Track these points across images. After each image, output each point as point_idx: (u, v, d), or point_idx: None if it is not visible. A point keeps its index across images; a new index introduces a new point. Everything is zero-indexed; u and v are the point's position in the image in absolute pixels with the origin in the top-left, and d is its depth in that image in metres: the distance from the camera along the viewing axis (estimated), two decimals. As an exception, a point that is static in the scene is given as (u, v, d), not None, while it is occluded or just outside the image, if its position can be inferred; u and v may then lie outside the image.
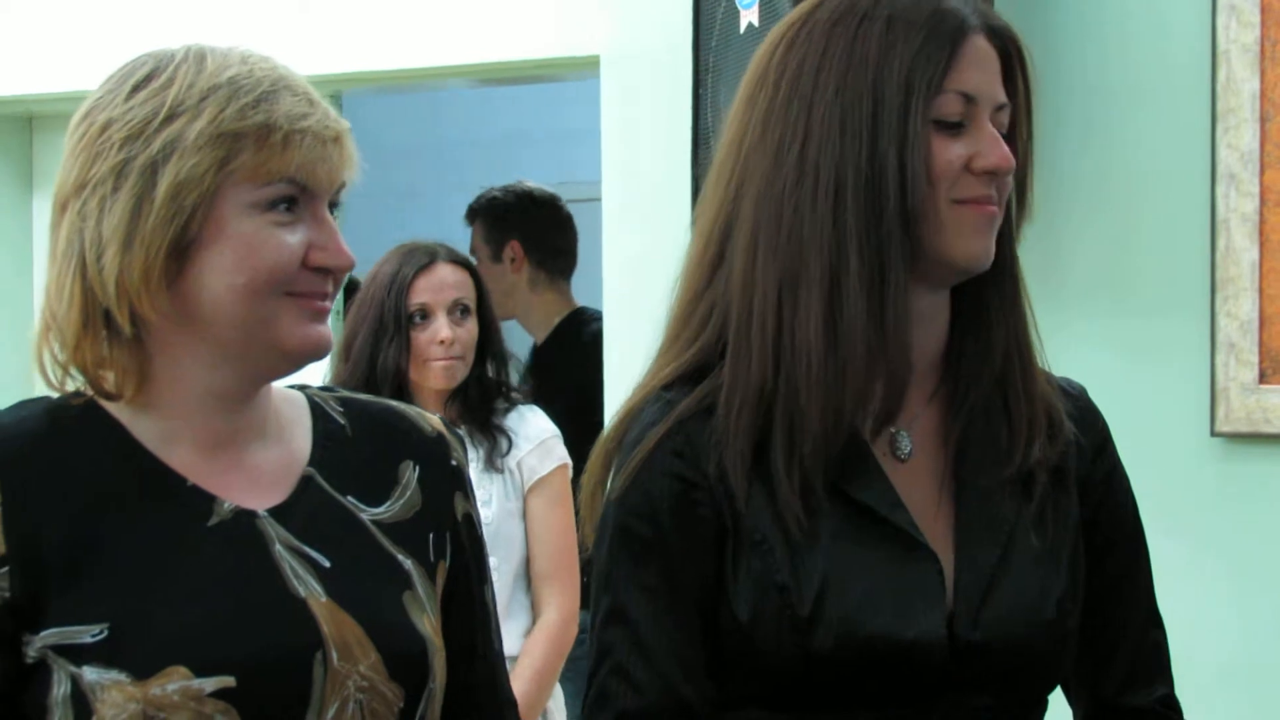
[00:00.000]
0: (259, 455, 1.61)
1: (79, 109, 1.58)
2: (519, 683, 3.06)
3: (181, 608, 1.51)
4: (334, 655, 1.55)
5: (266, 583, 1.55)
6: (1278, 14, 3.06)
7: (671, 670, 1.60)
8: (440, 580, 1.66)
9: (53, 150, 5.23)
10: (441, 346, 3.26)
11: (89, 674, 1.48)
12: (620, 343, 3.88)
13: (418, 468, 1.68)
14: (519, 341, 4.13)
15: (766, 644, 1.59)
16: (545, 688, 3.34)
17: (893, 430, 1.66)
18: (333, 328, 1.64)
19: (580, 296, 4.61)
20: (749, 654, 1.60)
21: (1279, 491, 3.12)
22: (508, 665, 1.78)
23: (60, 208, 1.56)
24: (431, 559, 1.66)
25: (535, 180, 4.77)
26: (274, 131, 1.53)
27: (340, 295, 1.80)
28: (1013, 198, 1.69)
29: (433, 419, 1.73)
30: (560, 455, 3.36)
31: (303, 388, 1.71)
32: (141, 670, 1.48)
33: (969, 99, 1.63)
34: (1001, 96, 1.65)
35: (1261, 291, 3.06)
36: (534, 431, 3.35)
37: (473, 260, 3.46)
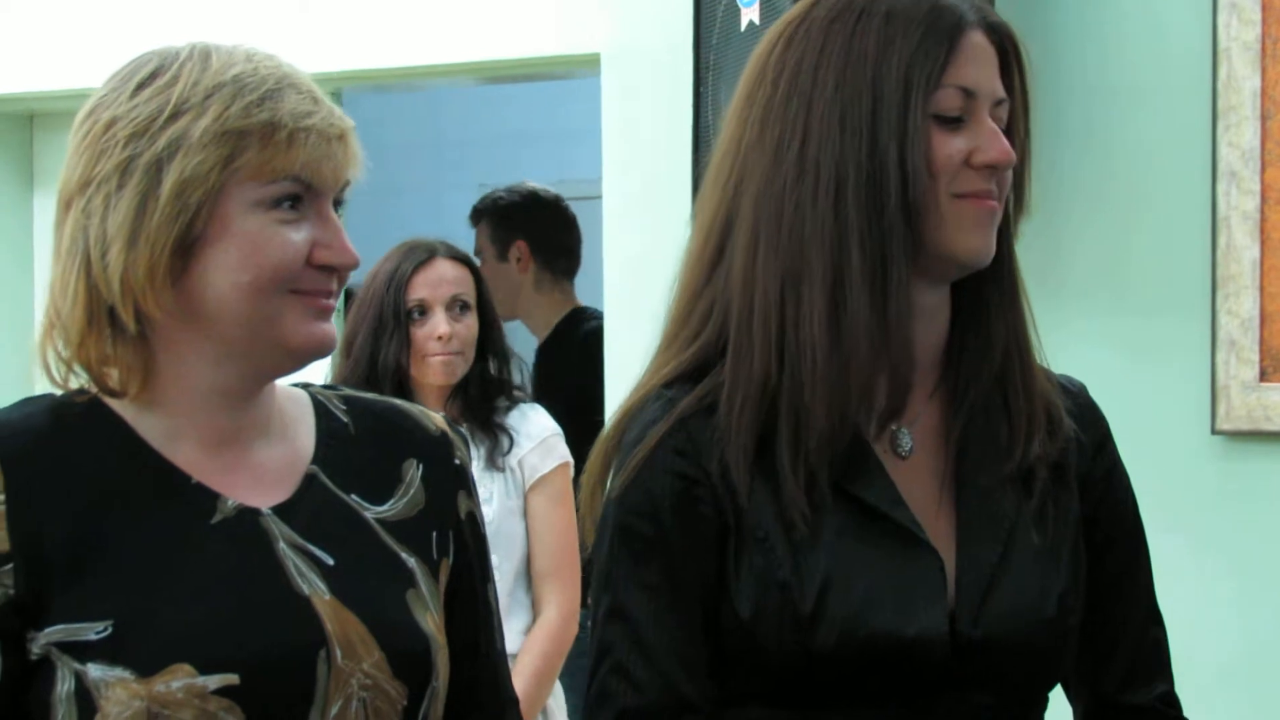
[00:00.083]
0: (263, 453, 1.61)
1: (83, 106, 1.58)
2: (519, 680, 3.05)
3: (185, 605, 1.51)
4: (338, 653, 1.55)
5: (270, 580, 1.55)
6: (1278, 11, 3.06)
7: (672, 669, 1.60)
8: (443, 578, 1.66)
9: (53, 148, 5.23)
10: (440, 342, 3.26)
11: (93, 671, 1.49)
12: (621, 341, 3.88)
13: (421, 466, 1.68)
14: (524, 342, 4.14)
15: (768, 641, 1.58)
16: (545, 686, 3.34)
17: (893, 428, 1.66)
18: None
19: (581, 295, 4.62)
20: (750, 651, 1.60)
21: (1279, 489, 3.12)
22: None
23: (65, 205, 1.56)
24: (435, 557, 1.66)
25: (536, 178, 4.78)
26: (279, 129, 1.53)
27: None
28: (1011, 194, 1.69)
29: (436, 417, 1.73)
30: (562, 454, 3.36)
31: (306, 386, 1.71)
32: (146, 668, 1.48)
33: (968, 94, 1.63)
34: (1000, 91, 1.65)
35: (1262, 289, 3.06)
36: (536, 430, 3.35)
37: (474, 258, 3.46)
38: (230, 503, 1.57)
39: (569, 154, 6.81)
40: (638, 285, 3.68)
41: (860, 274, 1.60)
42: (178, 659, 1.49)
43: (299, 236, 1.55)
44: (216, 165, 1.52)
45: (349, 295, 3.63)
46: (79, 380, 1.58)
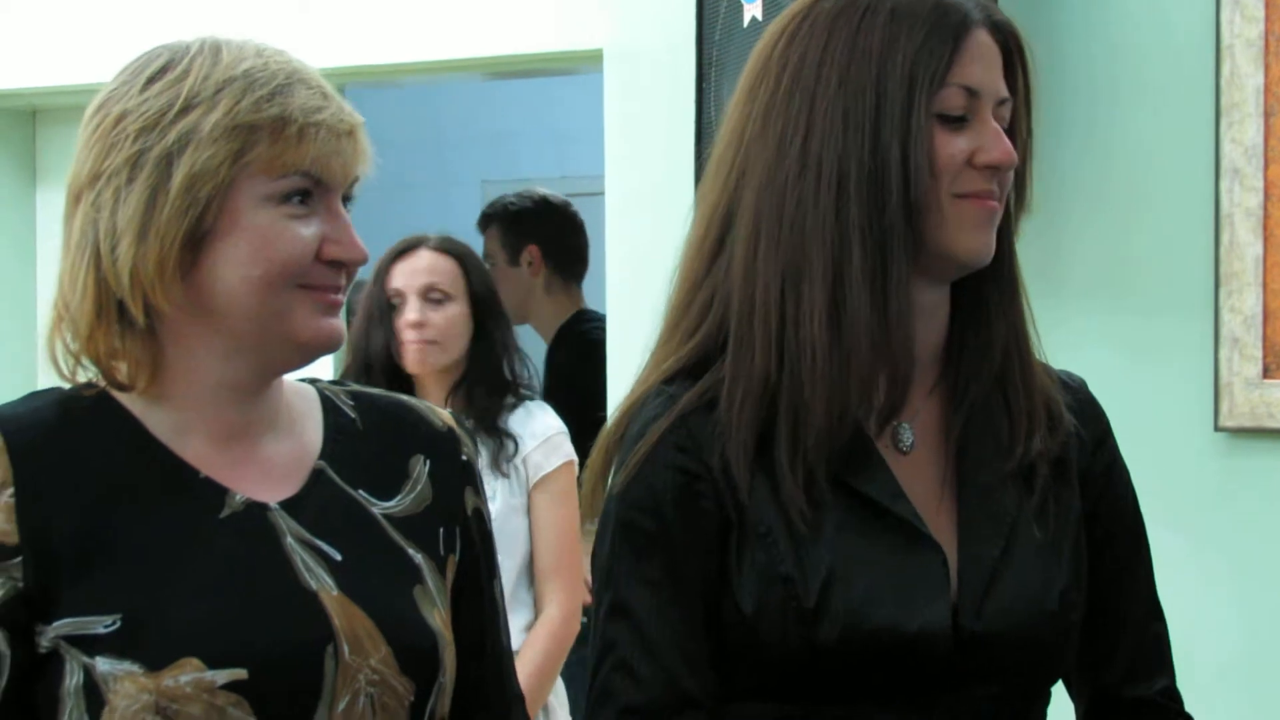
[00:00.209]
0: (271, 448, 1.61)
1: (94, 100, 1.58)
2: (520, 678, 3.05)
3: (194, 600, 1.51)
4: (345, 649, 1.55)
5: (278, 575, 1.55)
6: (1282, 8, 3.07)
7: (675, 664, 1.60)
8: (450, 574, 1.67)
9: (56, 143, 5.23)
10: (414, 330, 3.28)
11: (101, 665, 1.49)
12: (623, 337, 3.88)
13: (428, 462, 1.68)
14: (535, 346, 4.16)
15: (771, 636, 1.58)
16: (546, 683, 3.34)
17: (894, 423, 1.66)
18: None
19: (583, 291, 4.65)
20: (753, 646, 1.60)
21: (1282, 486, 3.13)
22: (510, 661, 1.78)
23: (74, 198, 1.56)
24: (441, 553, 1.66)
25: (537, 175, 4.81)
26: (289, 125, 1.53)
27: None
28: (1012, 193, 1.69)
29: (443, 413, 1.73)
30: (566, 452, 3.36)
31: (313, 381, 1.71)
32: (154, 662, 1.49)
33: (972, 93, 1.63)
34: (1004, 91, 1.65)
35: (1265, 286, 3.07)
36: (540, 428, 3.35)
37: (467, 250, 3.44)
38: (238, 497, 1.57)
39: (571, 151, 6.81)
40: (640, 281, 3.68)
41: (861, 272, 1.60)
42: (186, 653, 1.49)
43: (308, 232, 1.56)
44: (227, 160, 1.52)
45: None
46: (87, 373, 1.58)
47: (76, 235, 1.55)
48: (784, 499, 1.60)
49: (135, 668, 1.48)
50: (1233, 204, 3.09)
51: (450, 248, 3.38)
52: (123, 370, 1.56)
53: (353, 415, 1.68)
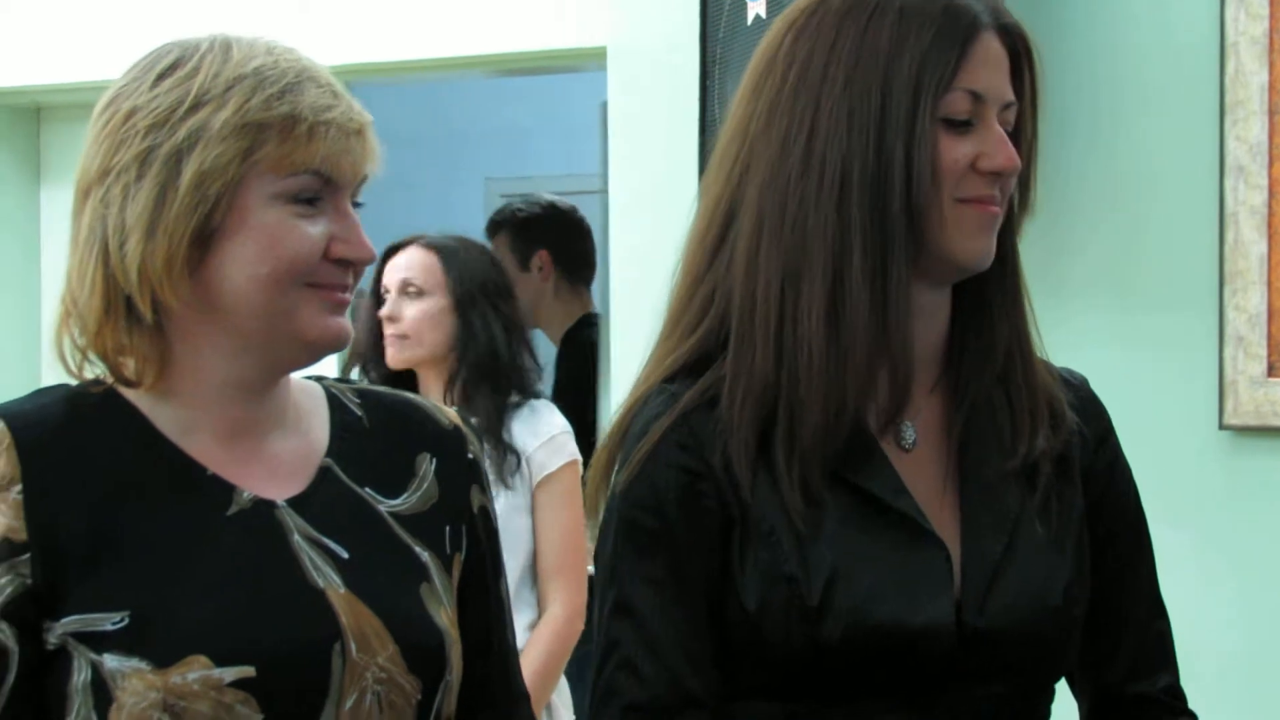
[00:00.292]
0: (278, 445, 1.61)
1: (103, 96, 1.58)
2: (524, 677, 3.06)
3: (201, 597, 1.51)
4: (352, 647, 1.55)
5: (285, 573, 1.55)
6: (1286, 7, 3.07)
7: (678, 663, 1.60)
8: (456, 573, 1.67)
9: (60, 141, 5.23)
10: (388, 324, 3.32)
11: (109, 662, 1.49)
12: (626, 335, 3.88)
13: (435, 460, 1.68)
14: (545, 350, 4.18)
15: (775, 634, 1.58)
16: (549, 682, 3.34)
17: (896, 421, 1.66)
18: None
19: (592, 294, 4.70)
20: (757, 645, 1.59)
21: (1286, 485, 3.13)
22: (512, 660, 1.79)
23: (83, 194, 1.56)
24: (448, 551, 1.66)
25: (541, 172, 4.83)
26: (299, 123, 1.53)
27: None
28: (1015, 195, 1.69)
29: (449, 412, 1.73)
30: (570, 451, 3.36)
31: (320, 379, 1.71)
32: (162, 659, 1.49)
33: (978, 98, 1.62)
34: (1009, 95, 1.65)
35: (1270, 285, 3.07)
36: (544, 427, 3.34)
37: (458, 246, 3.42)
38: (246, 495, 1.57)
39: (574, 148, 6.80)
40: (643, 279, 3.68)
41: (861, 273, 1.60)
42: (194, 651, 1.49)
43: (316, 230, 1.56)
44: (236, 157, 1.52)
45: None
46: (94, 370, 1.58)
47: (85, 231, 1.55)
48: (783, 498, 1.60)
49: (143, 665, 1.48)
50: (1237, 202, 3.09)
51: (437, 244, 3.38)
52: (130, 366, 1.56)
53: (359, 413, 1.68)
